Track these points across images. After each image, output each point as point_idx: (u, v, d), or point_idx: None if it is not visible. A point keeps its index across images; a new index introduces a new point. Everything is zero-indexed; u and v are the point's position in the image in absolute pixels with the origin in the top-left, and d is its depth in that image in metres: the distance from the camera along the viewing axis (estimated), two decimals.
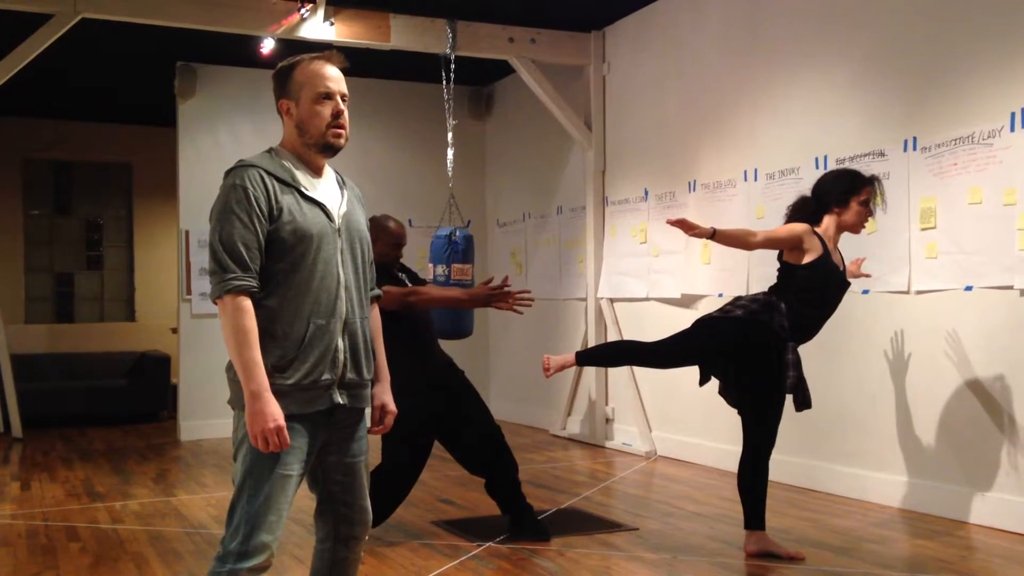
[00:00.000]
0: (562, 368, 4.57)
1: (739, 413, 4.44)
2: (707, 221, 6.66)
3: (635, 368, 7.61)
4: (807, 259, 4.24)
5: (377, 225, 4.66)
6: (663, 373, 7.26)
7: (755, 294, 4.47)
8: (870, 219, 4.42)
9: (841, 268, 4.36)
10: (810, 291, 4.26)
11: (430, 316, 4.92)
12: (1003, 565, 4.18)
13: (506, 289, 4.53)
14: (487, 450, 4.78)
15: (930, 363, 5.16)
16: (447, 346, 5.13)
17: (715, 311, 4.53)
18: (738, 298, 4.45)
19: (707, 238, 4.20)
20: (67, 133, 10.91)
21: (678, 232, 6.95)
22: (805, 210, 4.37)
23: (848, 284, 4.43)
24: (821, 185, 4.39)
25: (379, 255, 4.49)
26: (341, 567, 2.74)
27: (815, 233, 4.26)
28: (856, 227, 4.37)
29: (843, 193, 4.30)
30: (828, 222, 4.33)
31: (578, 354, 4.69)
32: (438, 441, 4.83)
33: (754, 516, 4.33)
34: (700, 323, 4.46)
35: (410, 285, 4.74)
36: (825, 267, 4.25)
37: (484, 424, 4.82)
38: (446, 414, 4.74)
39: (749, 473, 4.32)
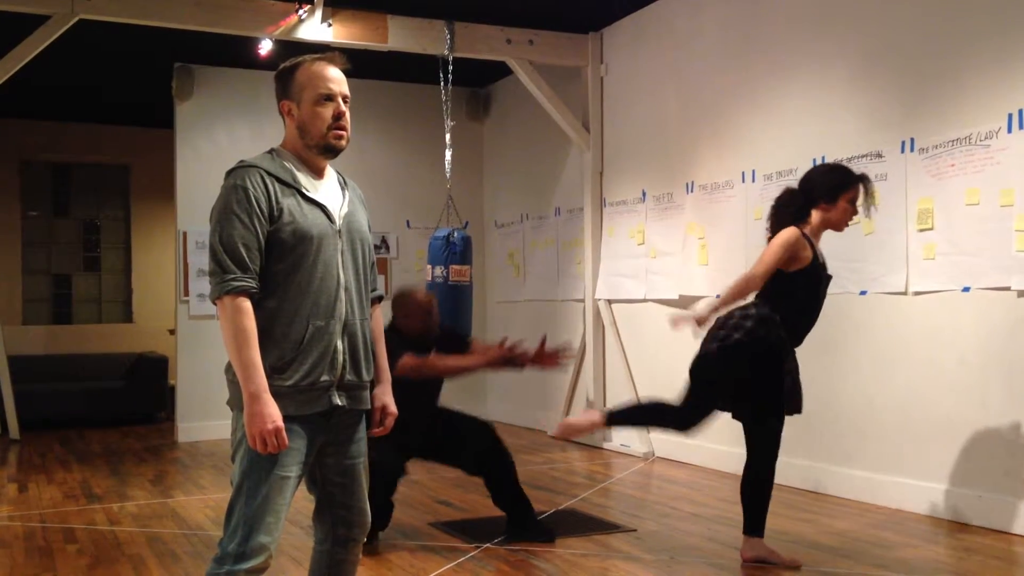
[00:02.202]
0: (585, 432, 4.36)
1: (738, 420, 4.36)
2: (705, 222, 6.71)
3: (633, 369, 7.62)
4: (799, 266, 4.14)
5: (406, 300, 4.69)
6: (660, 374, 7.27)
7: (744, 308, 4.26)
8: (854, 218, 4.30)
9: (823, 265, 4.28)
10: (803, 297, 4.18)
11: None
12: (1002, 567, 4.19)
13: (546, 351, 4.45)
14: (484, 458, 4.77)
15: (928, 364, 5.17)
16: None
17: (710, 341, 4.27)
18: (728, 316, 4.24)
19: (717, 310, 4.09)
20: (65, 134, 10.91)
21: (676, 233, 7.05)
22: (792, 204, 4.24)
23: (831, 278, 4.34)
24: (810, 179, 4.27)
25: (415, 329, 4.59)
26: (339, 569, 2.74)
27: (804, 235, 4.16)
28: (840, 225, 4.26)
29: (832, 189, 4.18)
30: (814, 218, 4.21)
31: (608, 415, 4.45)
32: (436, 462, 4.89)
33: (754, 522, 4.26)
34: (705, 364, 4.24)
35: (433, 354, 4.58)
36: (816, 272, 4.18)
37: (478, 439, 4.79)
38: (440, 447, 4.77)
39: (753, 480, 4.24)
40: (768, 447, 4.22)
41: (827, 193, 4.18)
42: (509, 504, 4.80)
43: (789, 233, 4.14)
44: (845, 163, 5.61)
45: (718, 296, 4.16)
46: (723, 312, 4.14)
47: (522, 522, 4.77)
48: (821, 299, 4.27)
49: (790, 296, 4.16)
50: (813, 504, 5.46)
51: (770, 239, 4.26)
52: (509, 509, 4.80)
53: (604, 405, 7.95)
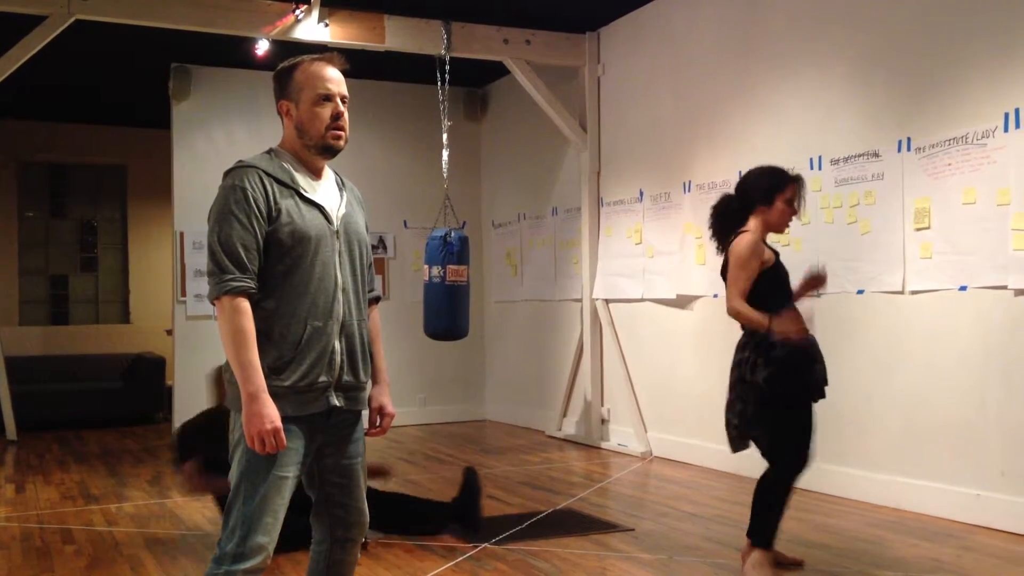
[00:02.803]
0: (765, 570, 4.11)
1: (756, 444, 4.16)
2: (702, 221, 6.68)
3: (631, 369, 7.63)
4: (765, 267, 4.03)
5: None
6: (658, 373, 7.27)
7: (741, 351, 4.08)
8: (794, 219, 4.21)
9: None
10: (778, 295, 4.04)
11: None
12: (998, 565, 4.19)
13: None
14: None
15: (925, 363, 5.17)
16: (446, 348, 5.13)
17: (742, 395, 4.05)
18: (738, 367, 4.07)
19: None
20: (62, 135, 10.91)
21: (673, 232, 7.05)
22: (730, 210, 4.19)
23: (787, 273, 4.21)
24: (745, 183, 4.22)
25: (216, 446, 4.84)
26: (337, 569, 2.74)
27: (759, 239, 4.06)
28: (780, 227, 4.18)
29: (768, 191, 4.12)
30: (752, 224, 4.14)
31: (752, 540, 4.10)
32: None
33: (759, 533, 4.09)
34: (767, 417, 4.01)
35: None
36: (781, 267, 4.08)
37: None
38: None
39: (766, 490, 4.08)
40: (790, 456, 4.06)
41: (763, 195, 4.13)
42: (424, 516, 4.92)
43: (744, 242, 4.03)
44: (842, 163, 5.64)
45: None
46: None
47: (447, 517, 4.86)
48: (791, 293, 4.14)
49: (768, 298, 4.01)
50: (811, 503, 5.46)
51: (719, 249, 4.19)
52: (422, 519, 4.91)
53: (602, 405, 7.96)
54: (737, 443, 4.10)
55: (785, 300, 4.08)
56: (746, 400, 4.01)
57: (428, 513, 4.95)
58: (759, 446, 4.12)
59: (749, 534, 4.17)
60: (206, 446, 4.66)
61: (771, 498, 4.07)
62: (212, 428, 4.70)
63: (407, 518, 4.87)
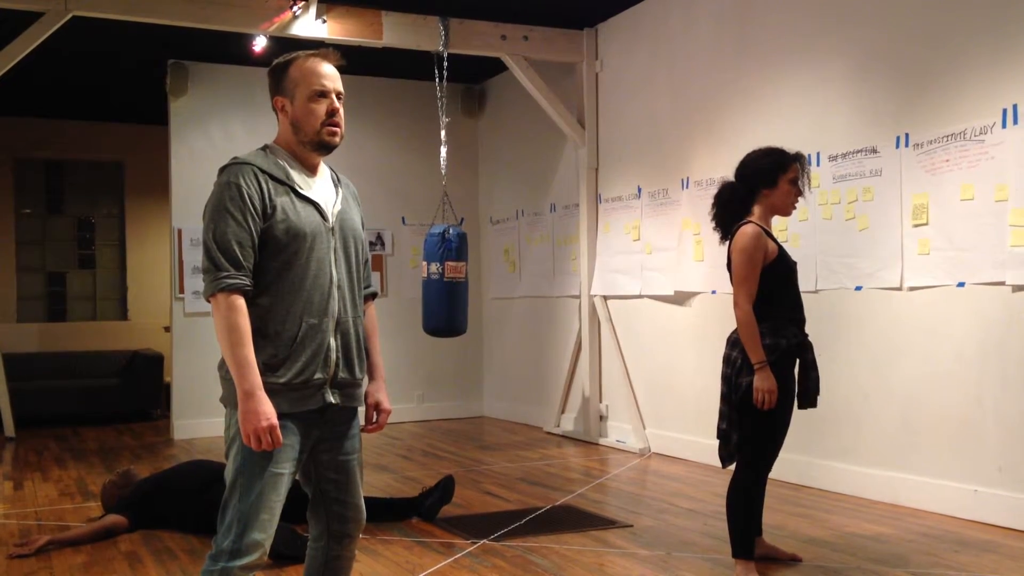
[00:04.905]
0: None
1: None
2: (700, 218, 6.71)
3: (629, 365, 7.63)
4: (768, 260, 3.93)
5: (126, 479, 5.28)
6: (656, 370, 7.28)
7: (735, 342, 4.01)
8: (799, 200, 4.11)
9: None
10: (783, 290, 3.98)
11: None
12: (996, 561, 4.20)
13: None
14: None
15: (923, 359, 5.17)
16: (444, 344, 5.13)
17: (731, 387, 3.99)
18: (729, 357, 4.00)
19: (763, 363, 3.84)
20: (58, 132, 10.89)
21: (671, 228, 7.05)
22: (734, 198, 4.05)
23: (795, 263, 4.13)
24: (746, 166, 4.09)
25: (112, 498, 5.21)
26: (335, 565, 2.74)
27: (761, 228, 3.95)
28: (786, 209, 4.07)
29: (771, 171, 4.00)
30: (756, 211, 4.02)
31: (735, 552, 4.00)
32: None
33: (736, 543, 4.00)
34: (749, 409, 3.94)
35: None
36: (785, 260, 4.00)
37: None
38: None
39: (733, 496, 4.00)
40: (756, 455, 4.02)
41: (766, 177, 4.01)
42: (397, 509, 5.12)
43: (747, 235, 3.93)
44: (840, 159, 5.63)
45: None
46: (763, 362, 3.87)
47: (411, 509, 5.09)
48: (798, 285, 4.08)
49: (771, 293, 3.94)
50: (809, 499, 5.47)
51: (723, 239, 4.09)
52: (407, 511, 5.11)
53: (601, 401, 7.95)
54: (726, 460, 4.02)
55: (791, 295, 4.02)
56: (730, 404, 3.96)
57: (392, 505, 5.14)
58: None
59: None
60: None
61: (738, 503, 3.99)
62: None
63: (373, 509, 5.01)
